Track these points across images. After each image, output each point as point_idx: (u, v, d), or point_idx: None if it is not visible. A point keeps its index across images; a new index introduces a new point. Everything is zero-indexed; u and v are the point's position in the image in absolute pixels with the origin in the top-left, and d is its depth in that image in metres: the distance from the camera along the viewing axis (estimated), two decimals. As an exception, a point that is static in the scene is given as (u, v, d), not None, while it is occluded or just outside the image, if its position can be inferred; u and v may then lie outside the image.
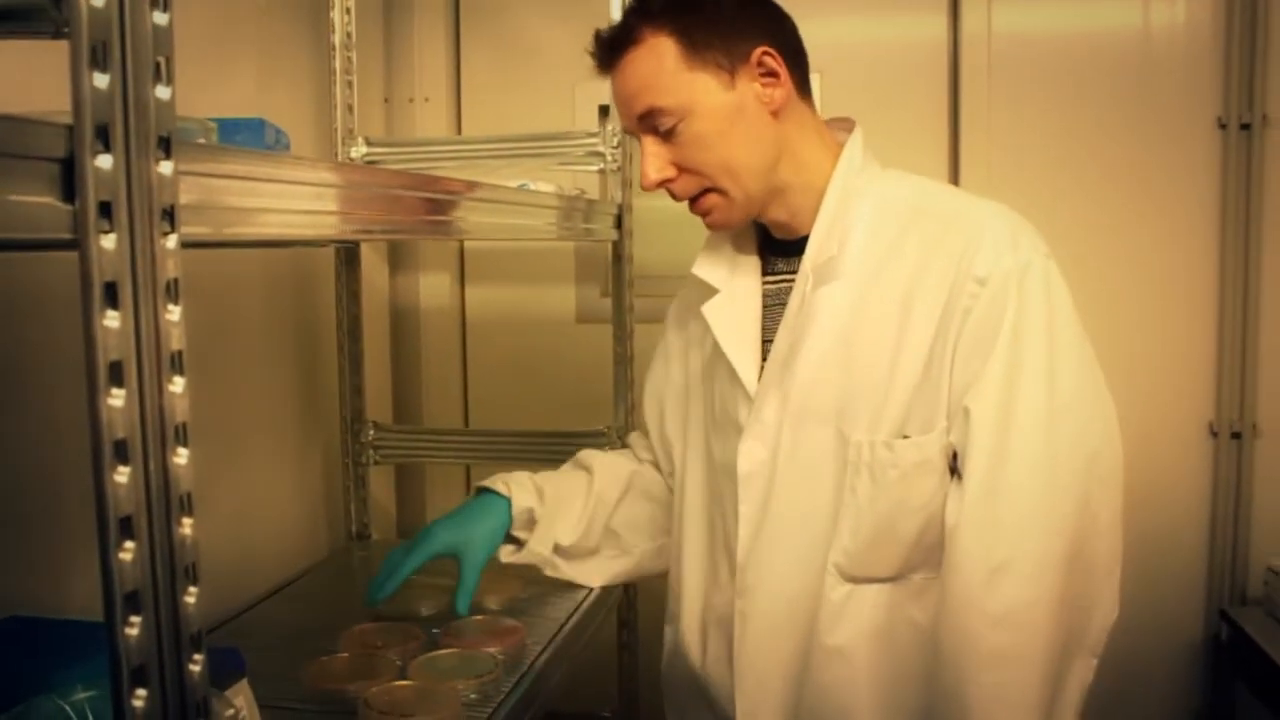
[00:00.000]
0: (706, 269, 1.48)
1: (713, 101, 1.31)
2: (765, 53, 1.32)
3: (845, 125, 1.44)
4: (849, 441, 1.32)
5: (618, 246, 2.08)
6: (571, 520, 1.63)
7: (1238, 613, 2.29)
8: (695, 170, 1.34)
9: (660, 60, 1.31)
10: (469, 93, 2.56)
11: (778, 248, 1.45)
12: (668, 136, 1.33)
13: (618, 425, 2.11)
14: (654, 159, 1.34)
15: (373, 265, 2.37)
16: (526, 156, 2.12)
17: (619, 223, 2.06)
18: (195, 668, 0.72)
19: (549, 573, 1.66)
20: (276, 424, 2.06)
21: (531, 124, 2.34)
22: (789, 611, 1.38)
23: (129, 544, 0.66)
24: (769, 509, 1.39)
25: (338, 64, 2.11)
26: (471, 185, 1.28)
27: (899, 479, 1.30)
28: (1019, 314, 1.25)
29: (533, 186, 1.87)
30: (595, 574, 1.69)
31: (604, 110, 2.38)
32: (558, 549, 1.63)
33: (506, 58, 2.53)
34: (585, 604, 1.83)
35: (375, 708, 1.35)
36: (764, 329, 1.43)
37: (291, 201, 0.84)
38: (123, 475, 0.66)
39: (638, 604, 2.18)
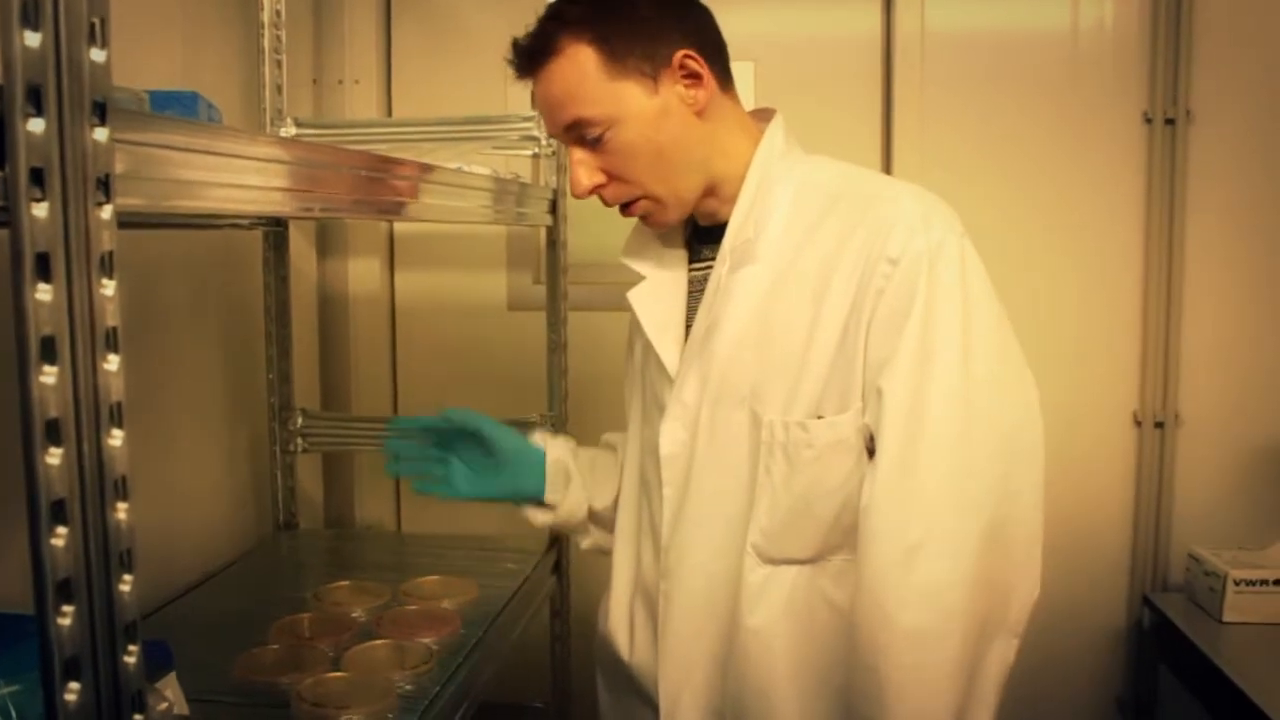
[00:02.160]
0: (633, 256, 1.49)
1: (638, 108, 1.30)
2: (686, 55, 1.31)
3: (767, 115, 1.43)
4: (762, 422, 1.31)
5: (552, 232, 2.06)
6: (607, 488, 1.62)
7: (1160, 598, 2.33)
8: (624, 178, 1.34)
9: (582, 71, 1.29)
10: (399, 75, 2.51)
11: (703, 235, 1.45)
12: (595, 144, 1.32)
13: (552, 414, 2.09)
14: (583, 167, 1.34)
15: (300, 250, 2.32)
16: (459, 140, 2.08)
17: (553, 208, 2.03)
18: (130, 659, 0.69)
19: (583, 542, 1.67)
20: (202, 410, 2.01)
21: (463, 108, 2.30)
22: (710, 593, 1.38)
23: (61, 529, 0.63)
24: (689, 490, 1.39)
25: (266, 42, 2.06)
26: (410, 164, 1.25)
27: (814, 459, 1.29)
28: (931, 293, 1.23)
29: (467, 170, 1.83)
30: None
31: (538, 95, 2.36)
32: (592, 514, 1.63)
33: (438, 40, 2.49)
34: (519, 593, 1.81)
35: (308, 700, 1.32)
36: (689, 314, 1.43)
37: (233, 176, 0.80)
38: (55, 457, 0.63)
39: (570, 594, 2.16)
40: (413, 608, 1.65)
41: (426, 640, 1.53)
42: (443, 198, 1.45)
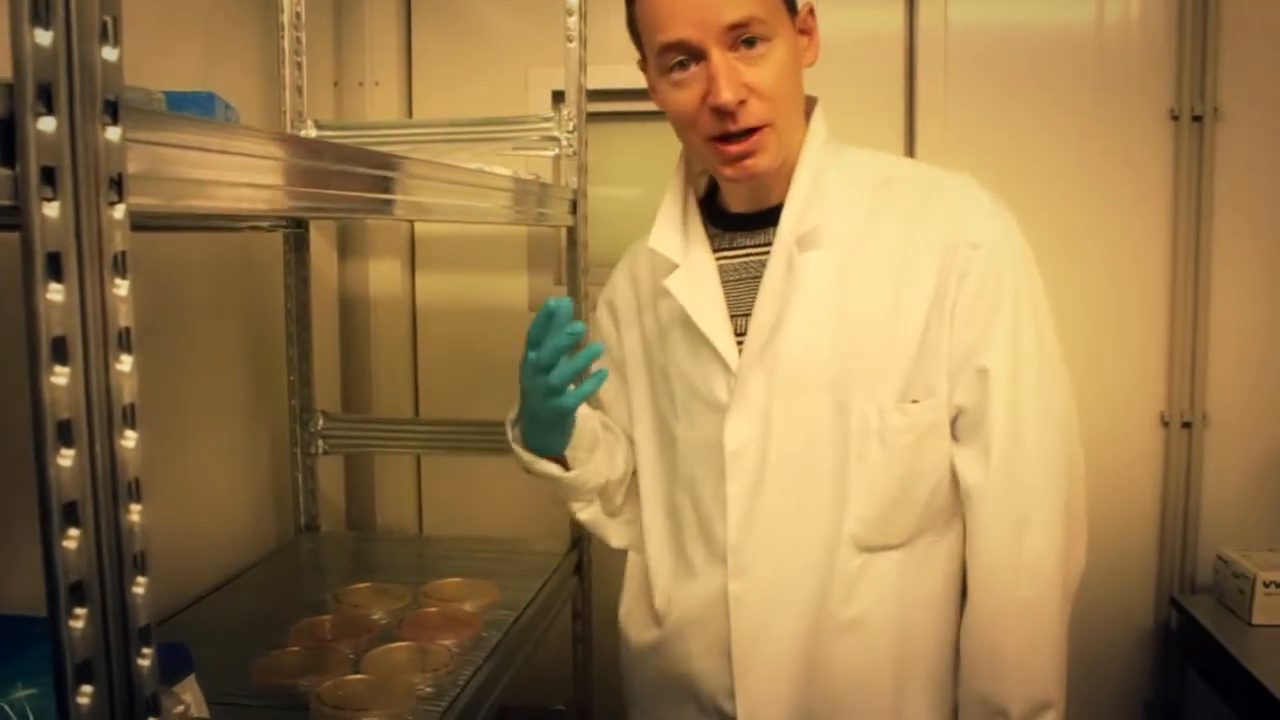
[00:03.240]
0: (663, 242, 1.43)
1: (788, 35, 1.29)
2: (810, 10, 1.33)
3: (809, 102, 1.41)
4: (850, 410, 1.30)
5: (573, 232, 2.05)
6: (618, 460, 1.55)
7: (1188, 600, 2.30)
8: (767, 96, 1.26)
9: None
10: (420, 77, 2.51)
11: (731, 222, 1.41)
12: (748, 52, 1.24)
13: (573, 414, 2.08)
14: (730, 77, 1.23)
15: (321, 251, 2.32)
16: (480, 140, 2.08)
17: (574, 208, 2.02)
18: (144, 663, 0.68)
19: (580, 511, 1.54)
20: (223, 413, 2.01)
21: (484, 109, 2.30)
22: (793, 590, 1.35)
23: (73, 531, 0.62)
24: (763, 486, 1.35)
25: (286, 44, 2.06)
26: (428, 164, 1.25)
27: (913, 444, 1.30)
28: (1013, 277, 1.29)
29: (488, 170, 1.83)
30: (617, 535, 1.59)
31: (558, 96, 2.35)
32: (605, 486, 1.53)
33: (458, 42, 2.49)
34: (541, 595, 1.81)
35: (327, 703, 1.32)
36: (728, 303, 1.39)
37: (248, 175, 0.80)
38: (67, 459, 0.62)
39: (592, 596, 2.15)
40: (433, 610, 1.65)
41: (447, 643, 1.52)
42: (464, 198, 1.44)
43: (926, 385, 1.30)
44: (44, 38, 0.59)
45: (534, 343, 1.34)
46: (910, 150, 2.37)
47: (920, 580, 1.34)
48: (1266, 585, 2.11)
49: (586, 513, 1.55)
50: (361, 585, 1.76)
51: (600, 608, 2.18)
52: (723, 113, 1.25)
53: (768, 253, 1.34)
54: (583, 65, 1.99)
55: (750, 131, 1.27)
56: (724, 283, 1.40)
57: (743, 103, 1.25)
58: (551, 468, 1.47)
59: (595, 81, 2.05)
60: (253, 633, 1.61)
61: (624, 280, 1.57)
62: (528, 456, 1.48)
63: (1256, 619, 2.12)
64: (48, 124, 0.60)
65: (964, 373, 1.29)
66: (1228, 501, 2.35)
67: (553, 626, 1.91)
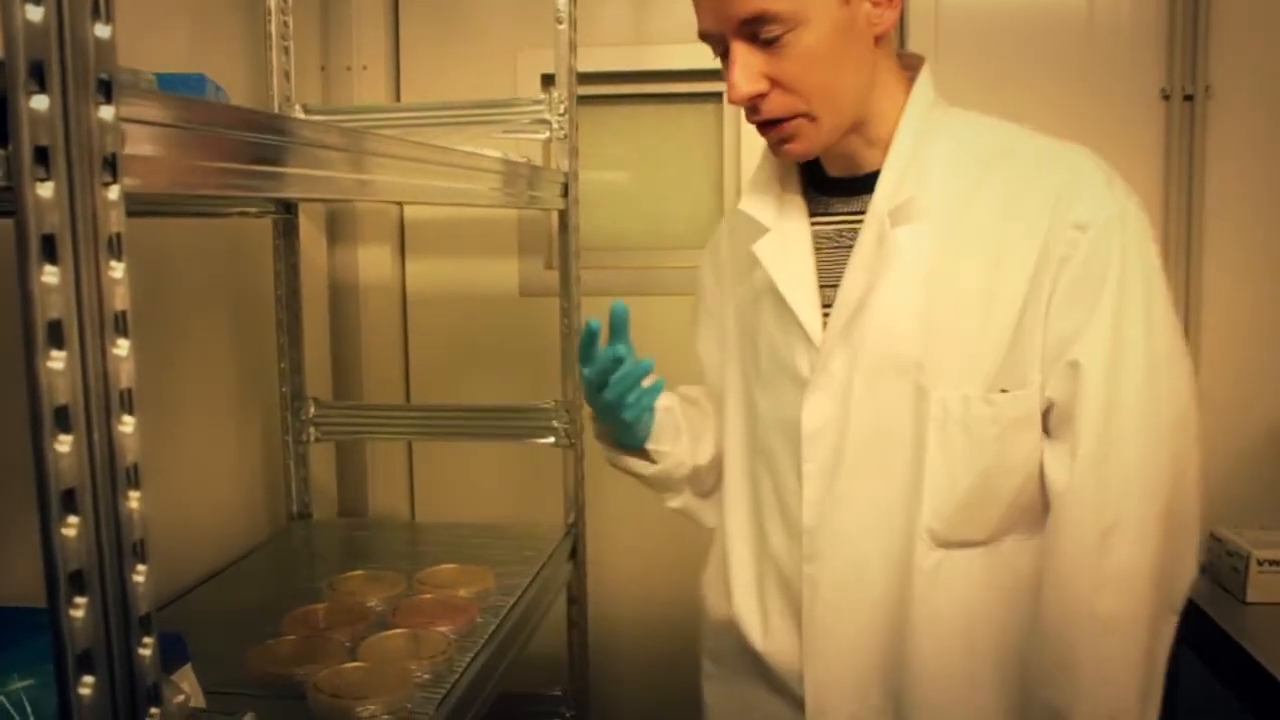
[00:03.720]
0: (755, 205, 1.35)
1: (827, 13, 1.17)
2: None
3: (911, 61, 1.32)
4: (931, 396, 1.23)
5: (565, 216, 2.04)
6: (706, 444, 1.50)
7: (1182, 580, 2.30)
8: (792, 89, 1.20)
9: None
10: (408, 61, 2.49)
11: (830, 187, 1.33)
12: (767, 46, 1.18)
13: (566, 400, 2.07)
14: (745, 69, 1.18)
15: (310, 237, 2.30)
16: (470, 124, 2.06)
17: (566, 191, 2.01)
18: (145, 652, 0.67)
19: (672, 500, 1.51)
20: (214, 401, 1.99)
21: (472, 93, 2.28)
22: (867, 578, 1.29)
23: (72, 519, 0.61)
24: (840, 469, 1.29)
25: (274, 28, 2.04)
26: (420, 145, 1.23)
27: (998, 436, 1.21)
28: (1121, 263, 1.17)
29: (478, 152, 1.81)
30: (711, 515, 1.52)
31: (547, 79, 2.33)
32: (695, 472, 1.49)
33: (446, 25, 2.47)
34: (536, 581, 1.80)
35: (325, 691, 1.31)
36: (819, 273, 1.32)
37: (242, 157, 0.78)
38: (64, 445, 0.61)
39: (587, 581, 2.15)
40: (429, 597, 1.64)
41: (443, 629, 1.51)
42: (454, 180, 1.43)
43: (1019, 375, 1.21)
44: (35, 13, 0.58)
45: (583, 360, 1.34)
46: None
47: (1005, 583, 1.26)
48: (1261, 563, 2.11)
49: (676, 502, 1.52)
50: (356, 573, 1.75)
51: (595, 592, 2.18)
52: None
53: (862, 221, 1.26)
54: (573, 47, 1.98)
55: (778, 121, 1.23)
56: (817, 250, 1.33)
57: (763, 95, 1.21)
58: (634, 464, 1.46)
59: (585, 64, 2.04)
60: (247, 621, 1.59)
61: (724, 241, 1.50)
62: (610, 453, 1.48)
63: (1251, 597, 2.12)
64: (40, 102, 0.59)
65: (1057, 364, 1.19)
66: (1221, 480, 2.35)
67: (549, 612, 1.90)
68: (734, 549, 1.42)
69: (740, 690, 1.44)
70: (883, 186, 1.24)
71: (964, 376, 1.21)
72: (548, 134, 2.02)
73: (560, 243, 2.07)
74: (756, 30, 1.17)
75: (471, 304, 2.51)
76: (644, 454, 1.45)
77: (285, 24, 2.05)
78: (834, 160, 1.31)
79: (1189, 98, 2.28)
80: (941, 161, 1.25)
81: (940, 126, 1.27)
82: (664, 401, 1.43)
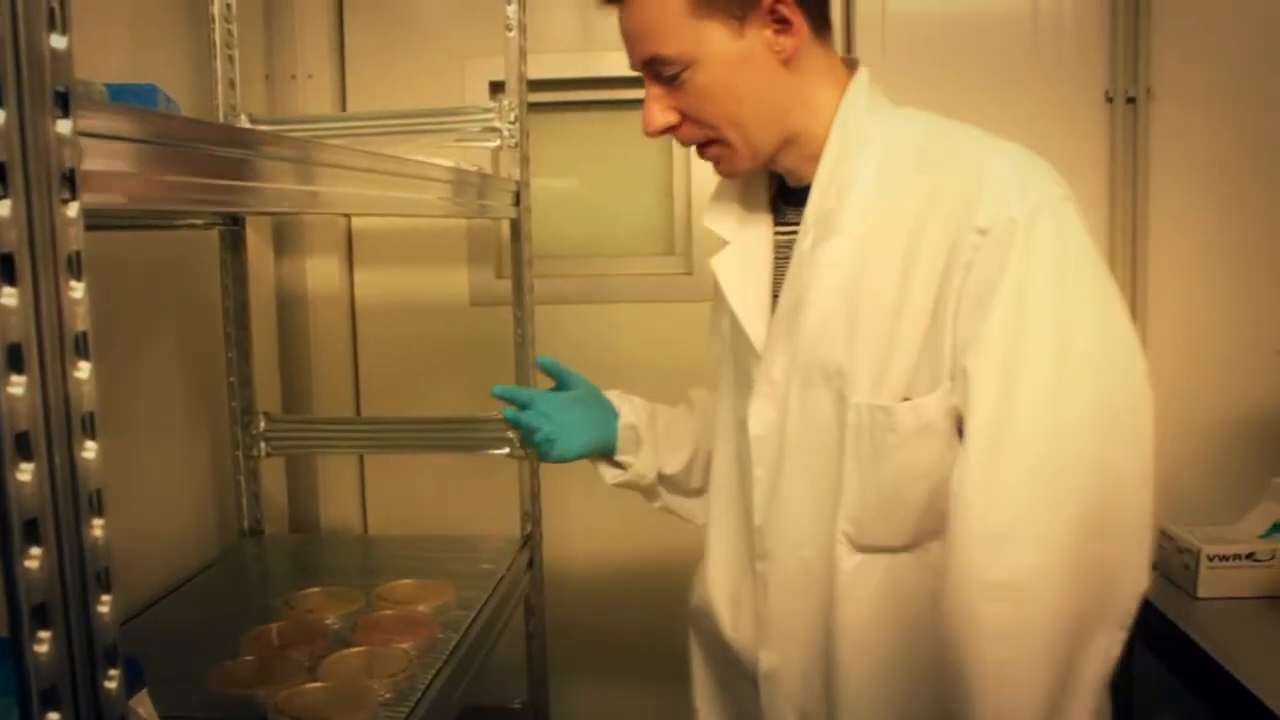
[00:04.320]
0: (716, 219, 1.42)
1: (719, 51, 1.22)
2: (777, 1, 1.22)
3: (854, 64, 1.35)
4: (848, 404, 1.25)
5: (516, 224, 2.02)
6: (680, 453, 1.58)
7: (1134, 576, 2.32)
8: (698, 120, 1.28)
9: (664, 6, 1.22)
10: (353, 69, 2.46)
11: (790, 196, 1.37)
12: (672, 82, 1.26)
13: (520, 409, 2.05)
14: (656, 104, 1.28)
15: (257, 249, 2.27)
16: (418, 133, 2.04)
17: (517, 199, 1.99)
18: (111, 684, 0.65)
19: (654, 502, 1.61)
20: (162, 416, 1.95)
21: (419, 101, 2.26)
22: (805, 578, 1.33)
23: (35, 550, 0.59)
24: (782, 473, 1.33)
25: (218, 36, 2.00)
26: (366, 155, 1.21)
27: (899, 445, 1.22)
28: (1023, 266, 1.14)
29: (428, 161, 1.79)
30: (702, 512, 1.56)
31: (495, 86, 2.32)
32: (661, 478, 1.57)
33: (392, 32, 2.44)
34: (495, 593, 1.78)
35: (286, 713, 1.29)
36: (775, 283, 1.36)
37: (202, 171, 0.76)
38: (25, 473, 0.58)
39: (544, 591, 2.13)
40: (388, 613, 1.62)
41: (404, 646, 1.49)
42: (403, 190, 1.40)
43: (929, 382, 1.21)
44: (-11, 25, 0.56)
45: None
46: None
47: (931, 586, 1.23)
48: (1211, 559, 2.14)
49: (657, 503, 1.61)
50: (313, 589, 1.72)
51: (552, 602, 2.16)
52: None
53: None
54: (523, 54, 1.96)
55: (703, 145, 1.31)
56: (778, 260, 1.37)
57: (675, 126, 1.29)
58: (607, 472, 1.57)
59: (535, 71, 2.02)
60: (203, 641, 1.56)
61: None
62: (596, 468, 1.59)
63: (1202, 593, 2.14)
64: (-4, 117, 0.57)
65: (958, 371, 1.18)
66: (1170, 477, 2.37)
67: (508, 625, 1.88)
68: (714, 543, 1.48)
69: (719, 672, 1.50)
70: (811, 198, 1.28)
71: (876, 385, 1.23)
72: (498, 142, 2.00)
73: (513, 251, 2.05)
74: (658, 70, 1.25)
75: (422, 314, 2.48)
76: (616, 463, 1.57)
77: (229, 32, 2.02)
78: (785, 173, 1.35)
79: (1131, 99, 2.31)
80: (871, 169, 1.26)
81: (875, 131, 1.28)
82: (629, 418, 1.54)
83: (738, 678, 1.45)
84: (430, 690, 1.40)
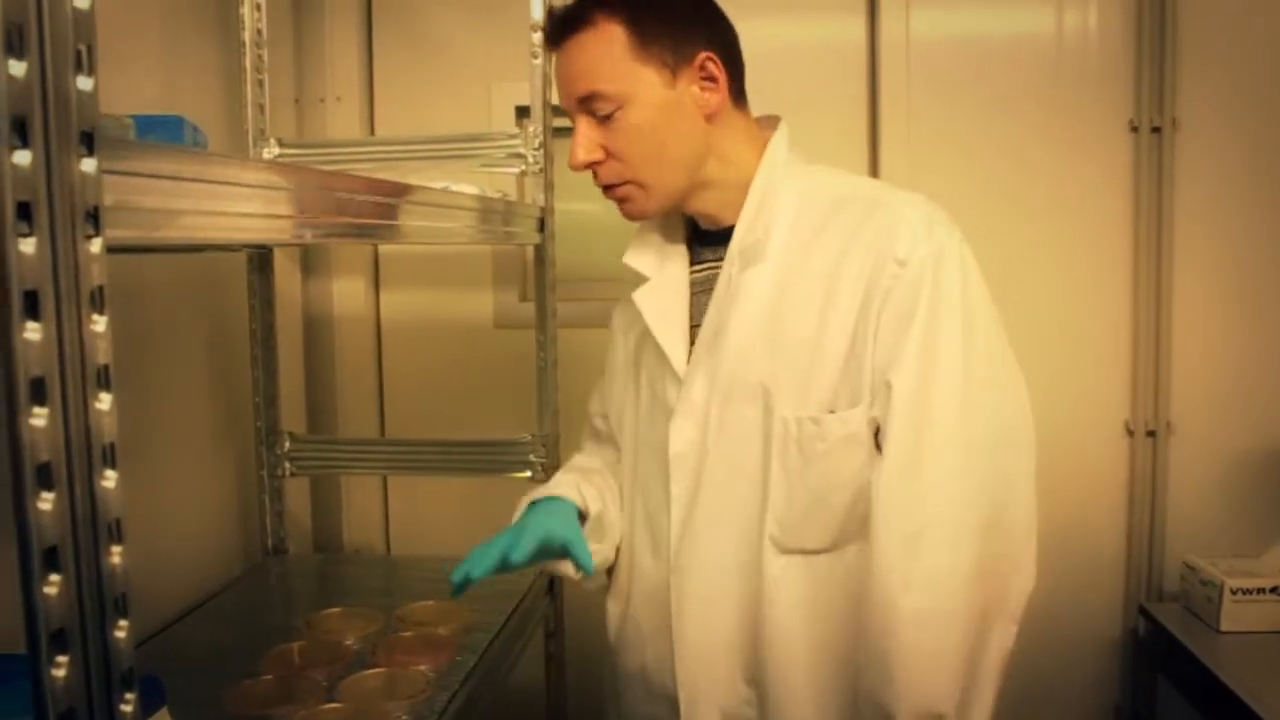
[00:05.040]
0: (636, 257, 1.52)
1: (652, 96, 1.34)
2: (709, 58, 1.36)
3: (772, 123, 1.48)
4: (775, 416, 1.35)
5: (540, 250, 2.04)
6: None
7: (1156, 608, 2.31)
8: (621, 158, 1.37)
9: (609, 47, 1.33)
10: (382, 92, 2.49)
11: (704, 238, 1.48)
12: (603, 121, 1.36)
13: (542, 433, 2.07)
14: (585, 139, 1.37)
15: (285, 271, 2.30)
16: (445, 158, 2.06)
17: (542, 225, 2.01)
18: (127, 709, 0.66)
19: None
20: (188, 436, 1.98)
21: (447, 125, 2.29)
22: (725, 585, 1.40)
23: (54, 577, 0.61)
24: (701, 487, 1.41)
25: (248, 62, 2.03)
26: (405, 187, 1.23)
27: (826, 453, 1.33)
28: (935, 295, 1.30)
29: (454, 189, 1.81)
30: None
31: (522, 110, 2.33)
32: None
33: (420, 57, 2.47)
34: (514, 617, 1.79)
35: (304, 734, 1.30)
36: (692, 314, 1.46)
37: (224, 203, 0.78)
38: (46, 502, 0.60)
39: (564, 615, 2.14)
40: (408, 634, 1.63)
41: (423, 668, 1.50)
42: (430, 219, 1.42)
43: (848, 398, 1.33)
44: (18, 68, 0.58)
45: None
46: (874, 158, 2.38)
47: (848, 586, 1.35)
48: (1234, 592, 2.13)
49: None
50: (333, 610, 1.73)
51: (572, 626, 2.17)
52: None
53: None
54: (547, 80, 1.98)
55: (615, 185, 1.40)
56: (694, 294, 1.47)
57: (599, 163, 1.39)
58: (595, 582, 1.56)
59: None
60: (223, 660, 1.58)
61: (622, 303, 1.61)
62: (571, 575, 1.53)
63: (1224, 626, 2.13)
64: (23, 157, 0.58)
65: (879, 386, 1.31)
66: (1193, 508, 2.37)
67: (526, 647, 1.89)
68: (619, 572, 1.56)
69: (635, 708, 1.54)
70: (736, 234, 1.40)
71: (800, 399, 1.35)
72: (523, 168, 2.02)
73: (536, 276, 2.07)
74: (592, 106, 1.35)
75: (446, 336, 2.50)
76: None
77: (260, 57, 2.05)
78: (699, 217, 1.47)
79: (1156, 129, 2.31)
80: (789, 211, 1.40)
81: (792, 182, 1.42)
82: (594, 507, 1.49)
83: (654, 703, 1.49)
84: (447, 712, 1.41)
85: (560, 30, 1.37)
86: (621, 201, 1.42)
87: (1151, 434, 2.36)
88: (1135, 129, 2.32)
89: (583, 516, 1.48)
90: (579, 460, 1.65)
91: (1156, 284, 2.33)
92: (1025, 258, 2.34)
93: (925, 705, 1.29)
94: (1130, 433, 2.37)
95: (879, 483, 1.31)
